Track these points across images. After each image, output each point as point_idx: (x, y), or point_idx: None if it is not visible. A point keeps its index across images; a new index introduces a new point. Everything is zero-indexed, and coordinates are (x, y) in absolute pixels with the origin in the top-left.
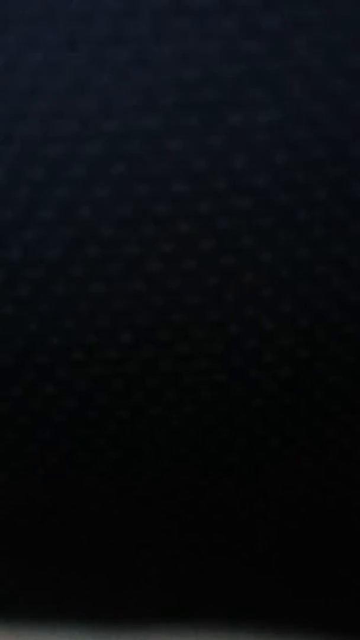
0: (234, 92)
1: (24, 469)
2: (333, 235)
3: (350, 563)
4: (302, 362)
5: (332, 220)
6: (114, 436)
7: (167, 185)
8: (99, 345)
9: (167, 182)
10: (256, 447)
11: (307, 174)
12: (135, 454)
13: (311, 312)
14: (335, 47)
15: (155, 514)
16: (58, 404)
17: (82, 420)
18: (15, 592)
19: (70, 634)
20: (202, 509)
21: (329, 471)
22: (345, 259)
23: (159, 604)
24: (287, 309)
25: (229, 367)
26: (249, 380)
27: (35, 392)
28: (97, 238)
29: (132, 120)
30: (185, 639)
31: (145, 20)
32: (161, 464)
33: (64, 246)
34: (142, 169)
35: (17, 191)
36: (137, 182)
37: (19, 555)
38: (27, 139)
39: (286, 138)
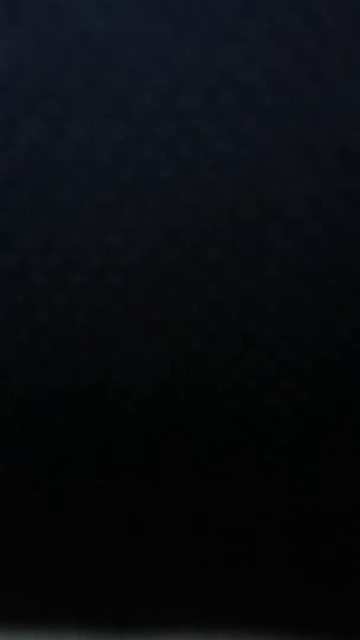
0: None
1: (25, 471)
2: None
3: (350, 564)
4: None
5: (341, 234)
6: (115, 439)
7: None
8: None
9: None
10: (256, 449)
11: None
12: (135, 456)
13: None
14: None
15: (156, 516)
16: (57, 409)
17: (84, 420)
18: (17, 596)
19: (70, 634)
20: (202, 510)
21: (327, 473)
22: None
23: (158, 607)
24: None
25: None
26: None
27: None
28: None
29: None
30: None
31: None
32: (162, 465)
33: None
34: (151, 173)
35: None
36: (145, 187)
37: (21, 559)
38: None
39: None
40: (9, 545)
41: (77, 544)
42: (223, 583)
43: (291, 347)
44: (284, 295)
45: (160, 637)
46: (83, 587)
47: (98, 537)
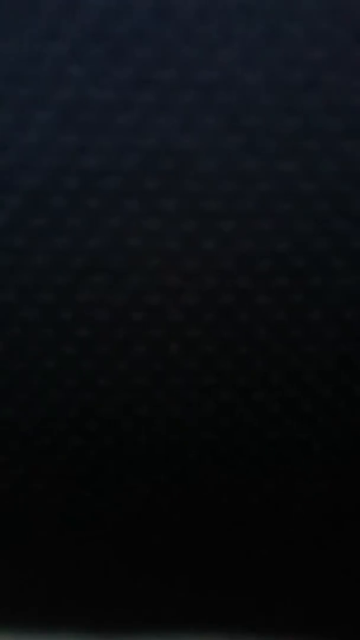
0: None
1: (25, 473)
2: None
3: (349, 564)
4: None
5: (352, 250)
6: (116, 444)
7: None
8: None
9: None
10: (257, 455)
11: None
12: (136, 460)
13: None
14: None
15: (156, 517)
16: (61, 417)
17: (83, 428)
18: (16, 596)
19: (70, 634)
20: (202, 513)
21: (326, 476)
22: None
23: (158, 607)
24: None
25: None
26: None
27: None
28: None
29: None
30: None
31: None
32: (162, 468)
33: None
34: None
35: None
36: (167, 197)
37: (20, 559)
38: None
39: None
40: (7, 546)
41: (77, 543)
42: (223, 583)
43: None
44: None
45: (160, 637)
46: (82, 587)
47: (98, 537)
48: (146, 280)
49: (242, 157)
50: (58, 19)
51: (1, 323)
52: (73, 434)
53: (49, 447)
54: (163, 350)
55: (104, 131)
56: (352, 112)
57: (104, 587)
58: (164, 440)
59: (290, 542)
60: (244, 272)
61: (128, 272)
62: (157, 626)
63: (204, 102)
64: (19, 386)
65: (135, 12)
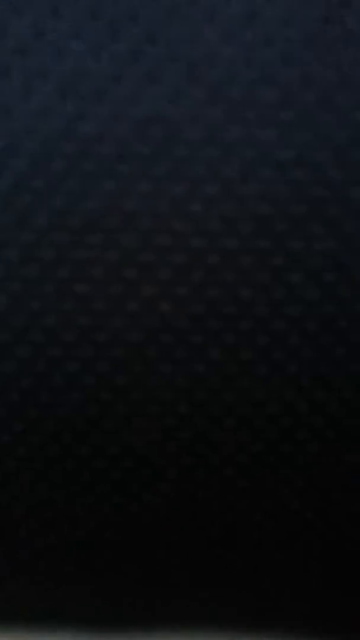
0: None
1: (24, 468)
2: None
3: (350, 564)
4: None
5: None
6: (113, 437)
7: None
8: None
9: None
10: (255, 452)
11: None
12: (135, 456)
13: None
14: None
15: (155, 515)
16: (60, 372)
17: (80, 420)
18: (16, 596)
19: (70, 636)
20: (202, 510)
21: (328, 473)
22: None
23: (158, 607)
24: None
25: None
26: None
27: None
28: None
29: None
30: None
31: None
32: (161, 463)
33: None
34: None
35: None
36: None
37: (19, 557)
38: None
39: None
40: (6, 546)
41: (77, 543)
42: (223, 583)
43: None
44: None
45: (160, 637)
46: (82, 587)
47: (98, 536)
48: (138, 240)
49: (225, 126)
50: (59, 1)
51: (2, 279)
52: (72, 389)
53: (47, 405)
54: (154, 307)
55: (100, 100)
56: (325, 85)
57: (104, 587)
58: (157, 399)
59: (291, 541)
60: (229, 234)
61: (122, 232)
62: (157, 626)
63: (189, 75)
64: (20, 341)
65: None
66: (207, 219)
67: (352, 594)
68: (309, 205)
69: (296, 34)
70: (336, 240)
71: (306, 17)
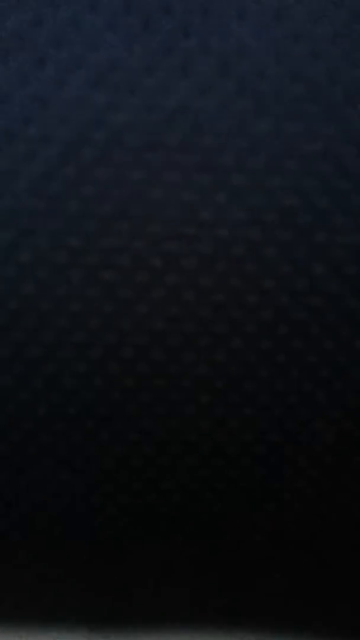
0: None
1: (24, 466)
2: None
3: (350, 564)
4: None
5: None
6: (135, 386)
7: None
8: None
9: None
10: (273, 442)
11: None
12: (155, 444)
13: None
14: None
15: (155, 514)
16: (83, 358)
17: (102, 406)
18: (15, 595)
19: (70, 635)
20: (202, 510)
21: (328, 474)
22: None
23: (158, 606)
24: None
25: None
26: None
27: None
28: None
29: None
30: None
31: None
32: (161, 464)
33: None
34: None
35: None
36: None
37: (19, 556)
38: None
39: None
40: (9, 546)
41: (77, 542)
42: (223, 582)
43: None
44: None
45: (160, 637)
46: (81, 587)
47: (94, 532)
48: (165, 229)
49: (253, 119)
50: None
51: (31, 265)
52: (95, 375)
53: (70, 390)
54: (178, 296)
55: (132, 91)
56: (351, 81)
57: (104, 586)
58: (178, 387)
59: (291, 539)
60: (253, 224)
61: (149, 221)
62: (157, 626)
63: (220, 68)
64: (46, 326)
65: None
66: (233, 210)
67: (353, 594)
68: (333, 197)
69: (324, 30)
70: (359, 233)
71: (334, 13)
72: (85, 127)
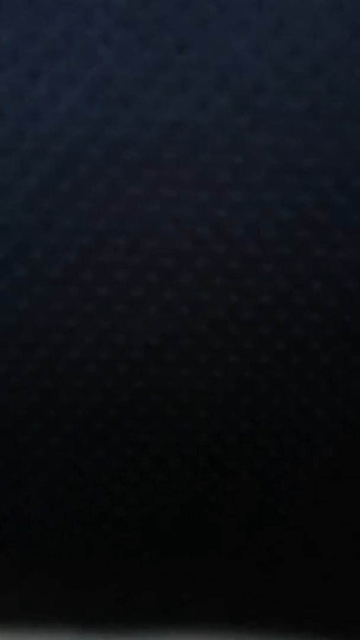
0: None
1: (20, 480)
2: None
3: (350, 563)
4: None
5: None
6: (129, 403)
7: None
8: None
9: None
10: (258, 450)
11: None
12: (151, 458)
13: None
14: None
15: (152, 528)
16: (80, 374)
17: (99, 422)
18: (15, 595)
19: (70, 634)
20: (203, 510)
21: (342, 478)
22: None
23: (158, 606)
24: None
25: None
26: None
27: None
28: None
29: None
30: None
31: None
32: (163, 464)
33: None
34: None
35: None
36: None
37: (19, 556)
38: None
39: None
40: (7, 545)
41: (78, 542)
42: (223, 582)
43: None
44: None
45: (160, 636)
46: (81, 586)
47: (94, 532)
48: (161, 245)
49: (251, 134)
50: (91, 7)
51: (26, 280)
52: (91, 391)
53: (66, 406)
54: (175, 312)
55: (127, 106)
56: (352, 96)
57: (104, 586)
58: (175, 403)
59: (291, 538)
60: (251, 240)
61: (145, 237)
62: (157, 626)
63: (217, 83)
64: (41, 342)
65: (159, 1)
66: (231, 225)
67: (353, 593)
68: (332, 213)
69: (324, 45)
70: (358, 249)
71: (334, 28)
72: (80, 142)
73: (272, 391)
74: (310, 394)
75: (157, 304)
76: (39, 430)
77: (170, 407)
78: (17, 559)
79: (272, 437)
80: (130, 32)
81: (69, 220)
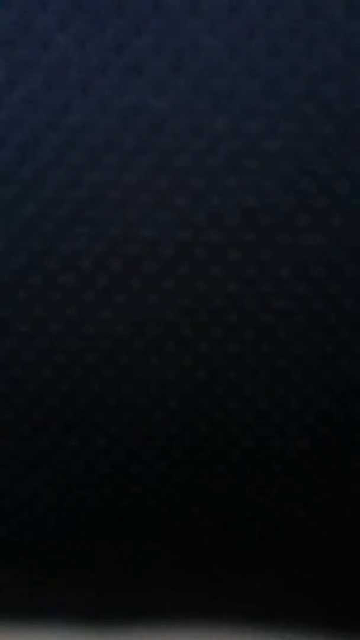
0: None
1: (26, 465)
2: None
3: (351, 563)
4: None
5: None
6: (101, 429)
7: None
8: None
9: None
10: (259, 447)
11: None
12: (124, 449)
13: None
14: None
15: (156, 512)
16: (49, 362)
17: (69, 411)
18: (15, 593)
19: (70, 633)
20: (203, 506)
21: (321, 469)
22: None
23: (159, 605)
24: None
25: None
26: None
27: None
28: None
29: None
30: (184, 638)
31: None
32: (163, 459)
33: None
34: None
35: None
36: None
37: (19, 554)
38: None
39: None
40: (3, 542)
41: (77, 542)
42: (224, 581)
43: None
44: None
45: (160, 635)
46: (82, 585)
47: (94, 531)
48: (124, 232)
49: (210, 117)
50: None
51: None
52: (60, 381)
53: (35, 396)
54: (142, 300)
55: (85, 91)
56: (311, 76)
57: (104, 584)
58: (145, 392)
59: (292, 537)
60: (215, 227)
61: (108, 224)
62: (158, 624)
63: (174, 66)
64: (6, 333)
65: None
66: (193, 212)
67: (353, 593)
68: (296, 197)
69: (280, 24)
70: (324, 234)
71: (290, 7)
72: (39, 129)
73: (243, 380)
74: (282, 383)
75: (122, 293)
76: (39, 420)
77: (140, 396)
78: (17, 553)
79: (244, 427)
80: (85, 17)
81: (31, 209)
